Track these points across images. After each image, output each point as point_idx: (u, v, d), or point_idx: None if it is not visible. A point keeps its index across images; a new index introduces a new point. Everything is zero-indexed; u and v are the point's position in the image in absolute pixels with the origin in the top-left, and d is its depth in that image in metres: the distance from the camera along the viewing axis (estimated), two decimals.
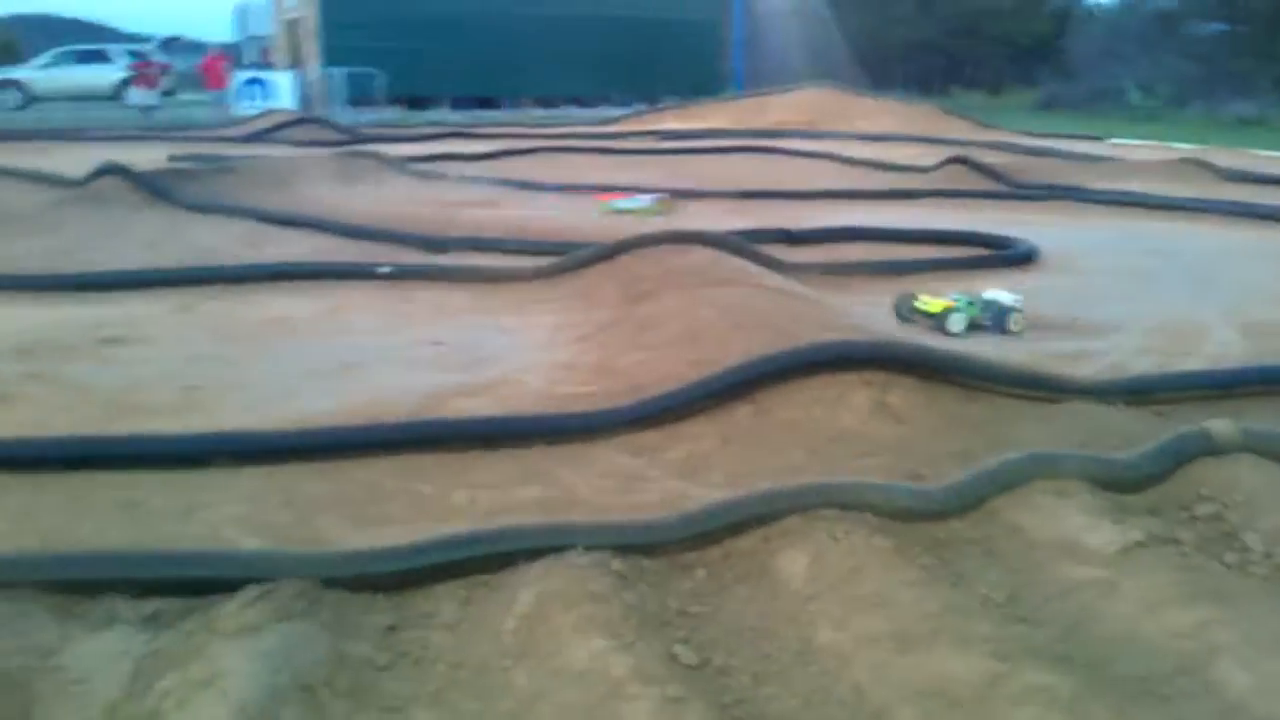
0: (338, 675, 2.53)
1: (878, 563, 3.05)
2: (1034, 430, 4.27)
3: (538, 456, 3.99)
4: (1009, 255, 8.25)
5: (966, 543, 3.31)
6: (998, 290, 6.27)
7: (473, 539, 3.04)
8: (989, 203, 11.93)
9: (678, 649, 2.67)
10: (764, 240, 7.98)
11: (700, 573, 3.11)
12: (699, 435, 4.19)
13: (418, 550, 2.95)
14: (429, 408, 4.52)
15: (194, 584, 2.86)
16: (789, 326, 5.01)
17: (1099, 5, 47.57)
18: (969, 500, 3.43)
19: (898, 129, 22.55)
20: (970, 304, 6.13)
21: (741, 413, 4.30)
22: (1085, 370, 5.14)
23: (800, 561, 3.09)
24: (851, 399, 4.38)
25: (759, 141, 19.47)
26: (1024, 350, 5.53)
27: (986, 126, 24.41)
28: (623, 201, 10.51)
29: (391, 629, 2.78)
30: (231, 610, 2.73)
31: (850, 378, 4.45)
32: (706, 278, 5.93)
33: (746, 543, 3.23)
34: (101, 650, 2.65)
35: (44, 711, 2.41)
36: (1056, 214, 11.27)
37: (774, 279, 6.22)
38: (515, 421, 4.19)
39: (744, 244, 7.08)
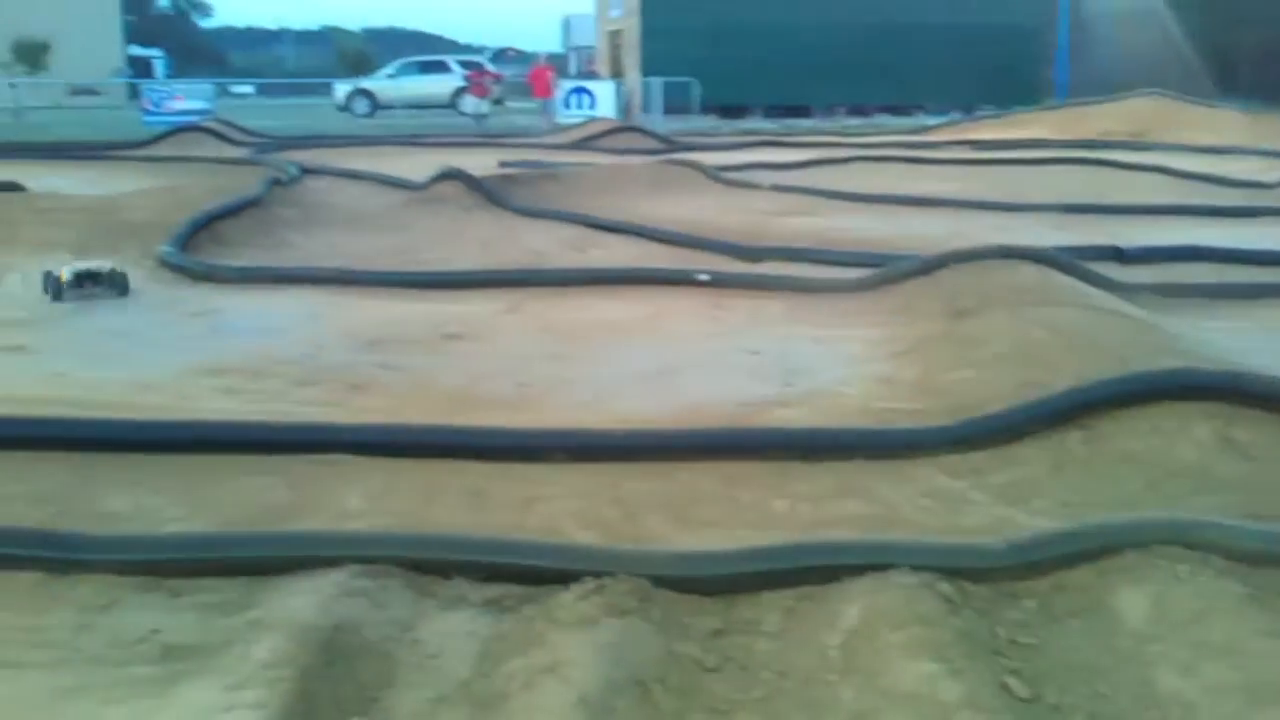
0: (669, 673, 2.62)
1: (1227, 608, 2.86)
2: None
3: (857, 471, 3.97)
4: None
5: None
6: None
7: (801, 550, 3.06)
8: None
9: (1009, 680, 2.59)
10: (1092, 257, 7.61)
11: (1029, 603, 3.00)
12: (1026, 460, 4.05)
13: (747, 556, 3.01)
14: (747, 416, 4.59)
15: (534, 573, 3.02)
16: (1124, 350, 4.78)
17: None
18: None
19: (1238, 142, 20.95)
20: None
21: (1072, 439, 4.12)
22: None
23: (1140, 600, 2.93)
24: (1193, 431, 4.11)
25: (1083, 153, 18.57)
26: None
27: None
28: None
29: (718, 632, 2.84)
30: (569, 602, 2.86)
31: (1191, 408, 4.19)
32: (1034, 295, 5.73)
33: (1079, 575, 3.09)
34: (452, 629, 2.85)
35: (406, 680, 2.61)
36: None
37: (1106, 299, 5.94)
38: (836, 434, 4.19)
39: (1072, 261, 6.79)
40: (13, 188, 11.32)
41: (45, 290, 7.01)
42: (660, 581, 2.93)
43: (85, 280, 6.95)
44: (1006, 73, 35.35)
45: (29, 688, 2.62)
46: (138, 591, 3.04)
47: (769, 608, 2.95)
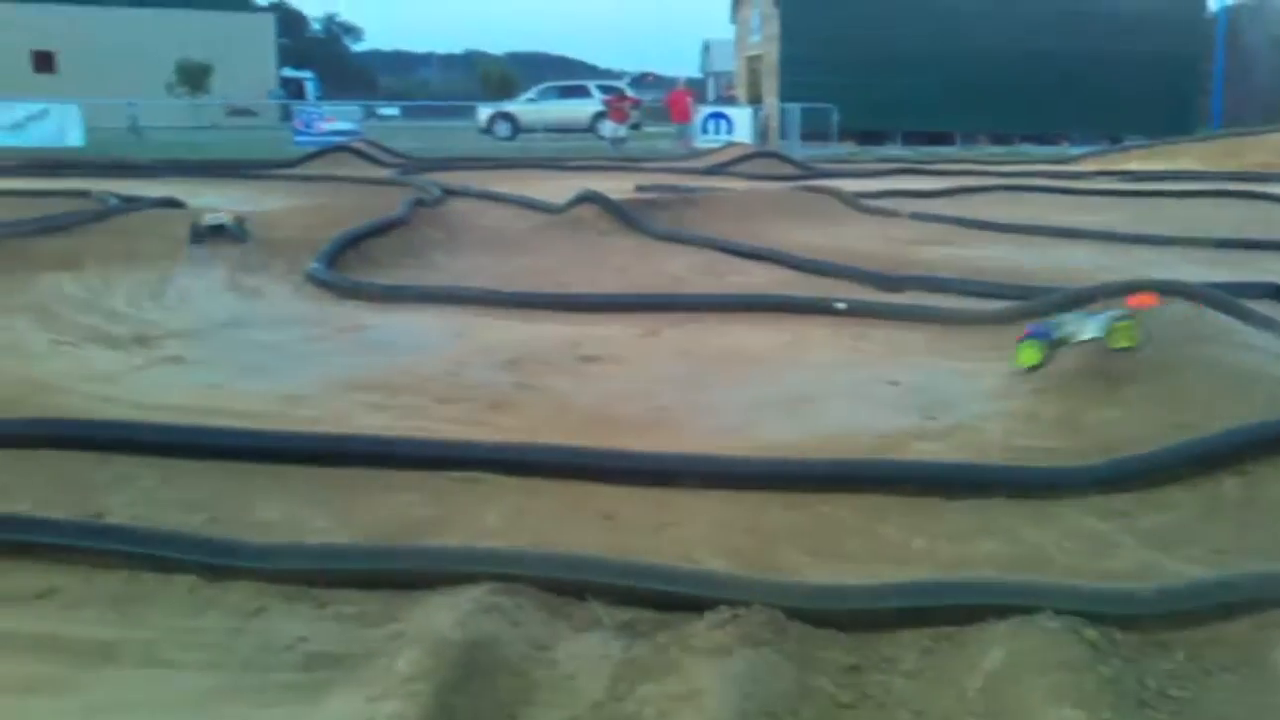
0: (802, 707, 2.59)
1: None
2: None
3: (999, 509, 3.88)
4: None
5: None
6: None
7: (942, 588, 3.01)
8: None
9: None
10: (1250, 295, 7.31)
11: (1180, 654, 2.89)
12: (1177, 504, 3.91)
13: (886, 592, 2.97)
14: (886, 448, 4.54)
15: (668, 598, 3.02)
16: None
17: None
18: None
19: None
20: None
21: (1228, 484, 3.97)
22: None
23: None
24: None
25: (1239, 185, 17.85)
26: None
27: None
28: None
29: (853, 668, 2.80)
30: (702, 630, 2.86)
31: None
32: (1187, 333, 5.53)
33: (1235, 628, 2.97)
34: (586, 651, 2.87)
35: (541, 699, 2.64)
36: None
37: (1265, 339, 5.70)
38: (978, 470, 4.11)
39: (1229, 298, 6.54)
40: (173, 204, 11.87)
41: (190, 239, 9.29)
42: (795, 614, 2.91)
43: (215, 230, 9.33)
44: (1157, 102, 34.34)
45: (183, 688, 2.73)
46: (285, 600, 3.14)
47: (907, 646, 2.91)
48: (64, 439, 4.39)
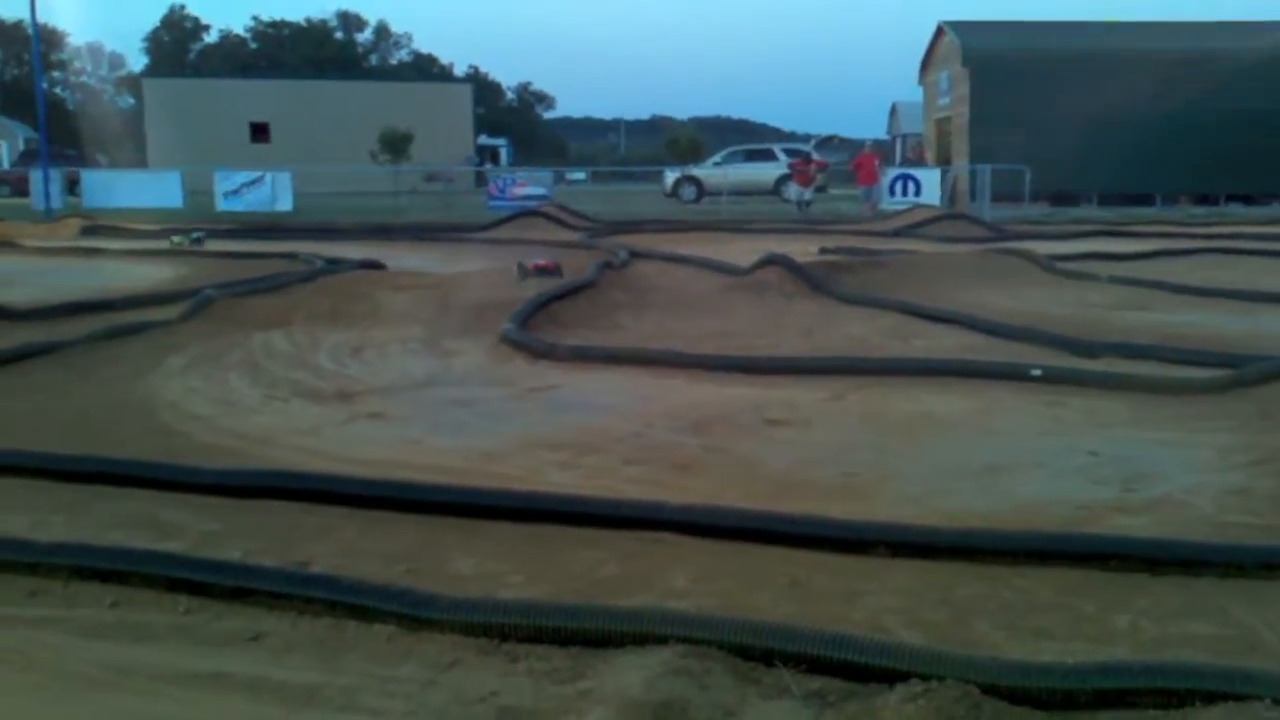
0: None
1: None
2: None
3: (1208, 588, 3.69)
4: None
5: None
6: None
7: (1147, 669, 2.87)
8: None
9: None
10: None
11: None
12: None
13: (1087, 671, 2.85)
14: (1084, 520, 4.39)
15: (858, 668, 2.97)
16: None
17: None
18: None
19: None
20: None
21: None
22: None
23: None
24: None
25: None
26: None
27: None
28: None
29: None
30: (893, 702, 2.80)
31: None
32: None
33: None
34: (773, 719, 2.85)
35: None
36: None
37: None
38: (1185, 546, 3.91)
39: None
40: (373, 266, 12.45)
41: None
42: (991, 690, 2.82)
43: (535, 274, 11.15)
44: None
45: None
46: (478, 653, 3.22)
47: None
48: (275, 489, 4.63)
